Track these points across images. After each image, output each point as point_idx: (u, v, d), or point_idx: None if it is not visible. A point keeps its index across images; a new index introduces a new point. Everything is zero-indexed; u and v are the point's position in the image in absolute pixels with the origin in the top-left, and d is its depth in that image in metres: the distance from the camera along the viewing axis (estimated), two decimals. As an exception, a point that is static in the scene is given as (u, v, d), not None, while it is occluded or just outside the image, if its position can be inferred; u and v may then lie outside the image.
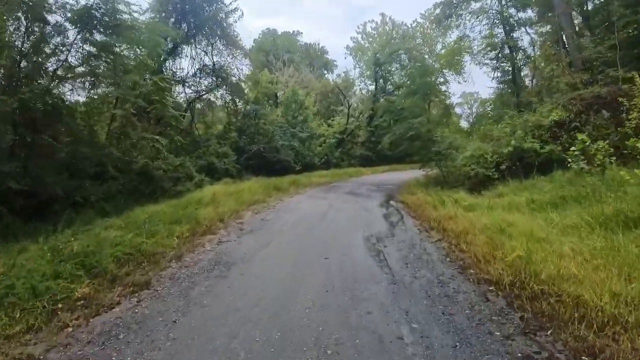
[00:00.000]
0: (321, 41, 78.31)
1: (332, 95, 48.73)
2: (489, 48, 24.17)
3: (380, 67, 44.70)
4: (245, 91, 32.94)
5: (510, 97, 22.44)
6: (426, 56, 44.42)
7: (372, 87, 48.33)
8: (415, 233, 10.46)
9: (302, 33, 61.74)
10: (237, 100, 30.48)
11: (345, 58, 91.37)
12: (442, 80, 47.08)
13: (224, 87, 29.92)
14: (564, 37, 22.21)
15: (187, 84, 29.51)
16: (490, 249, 7.75)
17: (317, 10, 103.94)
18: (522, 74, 22.41)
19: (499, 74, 25.26)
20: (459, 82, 45.56)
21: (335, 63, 61.57)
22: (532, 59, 21.76)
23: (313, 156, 31.93)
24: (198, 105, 30.69)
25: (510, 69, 23.19)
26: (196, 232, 10.58)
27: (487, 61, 25.46)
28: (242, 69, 31.15)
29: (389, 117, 24.69)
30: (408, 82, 23.80)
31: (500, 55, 23.33)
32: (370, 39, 49.97)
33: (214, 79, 29.81)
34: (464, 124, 59.67)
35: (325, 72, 59.60)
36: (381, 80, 45.91)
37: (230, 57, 30.74)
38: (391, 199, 17.56)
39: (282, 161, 27.96)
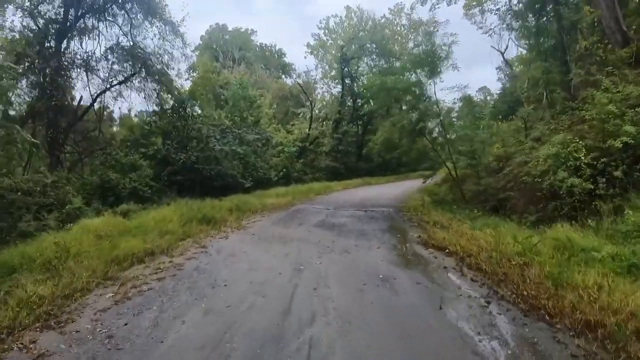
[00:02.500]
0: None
1: (292, 99, 40.61)
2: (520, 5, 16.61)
3: (348, 64, 36.81)
4: (178, 84, 24.34)
5: (555, 70, 14.73)
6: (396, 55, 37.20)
7: (337, 90, 40.42)
8: None
9: (256, 32, 53.49)
10: (165, 94, 21.77)
11: (305, 57, 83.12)
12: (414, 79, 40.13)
13: (146, 75, 21.26)
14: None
15: (93, 70, 20.71)
16: None
17: (269, 17, 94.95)
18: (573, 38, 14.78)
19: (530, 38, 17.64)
20: (434, 83, 38.14)
21: (293, 67, 53.51)
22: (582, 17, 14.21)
23: (268, 169, 23.56)
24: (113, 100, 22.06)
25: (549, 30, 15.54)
26: None
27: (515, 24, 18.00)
28: (172, 53, 22.48)
29: (381, 101, 16.22)
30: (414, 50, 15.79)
31: (542, 13, 15.66)
32: (334, 36, 42.26)
33: (132, 63, 21.13)
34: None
35: (283, 75, 51.48)
36: (348, 80, 38.02)
37: (158, 37, 22.12)
38: (405, 237, 9.45)
39: (225, 176, 19.42)
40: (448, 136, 14.65)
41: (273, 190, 20.82)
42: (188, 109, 20.80)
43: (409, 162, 43.79)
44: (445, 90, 14.17)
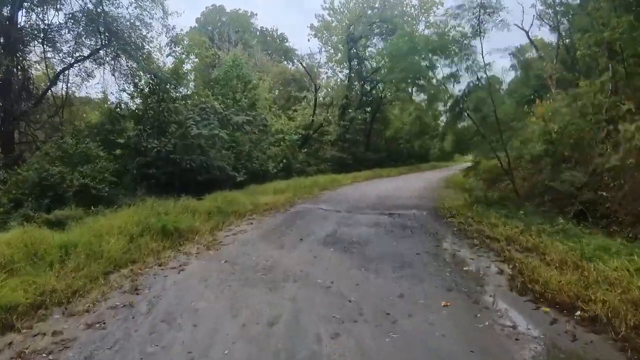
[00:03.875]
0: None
1: (294, 84, 36.56)
2: None
3: (355, 44, 32.64)
4: (161, 62, 20.34)
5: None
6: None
7: (343, 75, 36.15)
8: None
9: (256, 15, 49.25)
10: (141, 71, 17.81)
11: (308, 40, 78.37)
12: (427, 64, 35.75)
13: (118, 49, 17.38)
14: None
15: (52, 41, 16.90)
16: None
17: (268, 11, 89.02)
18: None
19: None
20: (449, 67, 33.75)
21: (296, 52, 49.05)
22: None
23: (266, 159, 19.59)
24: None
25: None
26: None
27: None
28: (150, 23, 18.48)
29: (406, 70, 11.71)
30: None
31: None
32: (340, 17, 37.89)
33: (100, 34, 17.25)
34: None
35: (286, 62, 47.14)
36: (355, 62, 33.85)
37: (134, 5, 18.11)
38: (477, 273, 5.54)
39: (211, 167, 15.56)
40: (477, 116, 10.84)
41: (270, 185, 16.98)
42: (170, 87, 16.89)
43: (419, 153, 40.00)
44: (495, 52, 10.19)
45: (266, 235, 8.21)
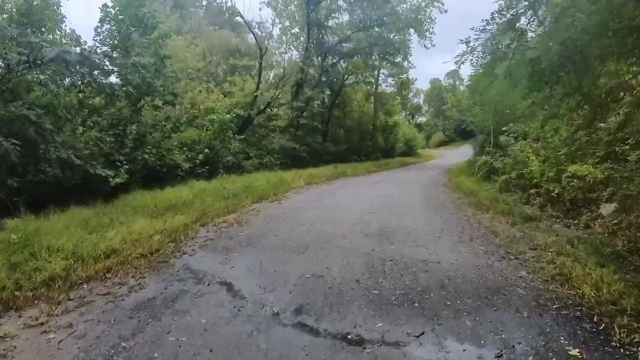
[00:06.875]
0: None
1: (240, 56, 28.50)
2: None
3: (317, 7, 24.98)
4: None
5: None
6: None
7: (298, 52, 28.28)
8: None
9: (202, -20, 40.30)
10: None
11: (260, 9, 68.82)
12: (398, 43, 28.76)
13: None
14: None
15: None
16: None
17: None
18: None
19: None
20: (426, 47, 26.89)
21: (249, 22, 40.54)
22: None
23: (169, 150, 11.73)
24: None
25: None
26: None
27: None
28: None
29: None
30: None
31: None
32: (298, -18, 29.90)
33: None
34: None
35: (235, 36, 38.64)
36: (315, 29, 26.20)
37: None
38: None
39: (45, 162, 7.84)
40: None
41: (168, 193, 9.33)
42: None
43: (384, 147, 33.16)
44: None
45: None
